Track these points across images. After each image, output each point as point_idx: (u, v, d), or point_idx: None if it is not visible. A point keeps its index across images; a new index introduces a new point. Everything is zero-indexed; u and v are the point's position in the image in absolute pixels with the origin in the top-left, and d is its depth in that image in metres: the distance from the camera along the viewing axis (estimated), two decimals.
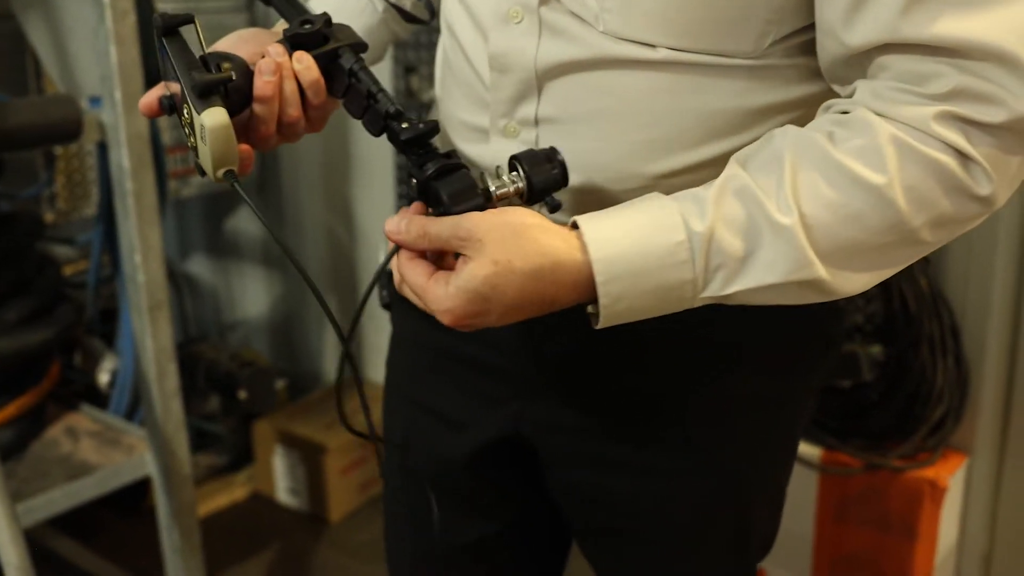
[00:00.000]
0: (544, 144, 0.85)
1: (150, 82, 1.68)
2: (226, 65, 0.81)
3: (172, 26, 0.82)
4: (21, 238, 1.96)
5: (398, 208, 1.58)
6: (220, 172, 0.78)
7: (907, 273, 1.82)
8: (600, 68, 0.82)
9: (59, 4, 1.88)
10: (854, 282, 0.76)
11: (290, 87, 0.82)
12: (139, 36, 1.66)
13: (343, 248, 2.76)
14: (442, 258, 0.77)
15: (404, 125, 0.79)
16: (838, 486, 1.92)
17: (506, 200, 0.78)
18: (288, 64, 0.82)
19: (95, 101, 1.78)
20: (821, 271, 0.73)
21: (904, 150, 0.71)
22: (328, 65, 0.83)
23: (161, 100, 0.84)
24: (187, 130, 0.80)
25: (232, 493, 2.61)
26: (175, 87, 0.81)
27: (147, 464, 1.89)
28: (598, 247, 0.73)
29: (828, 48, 0.76)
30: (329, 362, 2.85)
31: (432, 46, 2.30)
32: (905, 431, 1.88)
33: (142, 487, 2.24)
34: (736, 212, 0.74)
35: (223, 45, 0.88)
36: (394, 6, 1.07)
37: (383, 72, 2.44)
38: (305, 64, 0.82)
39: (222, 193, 2.79)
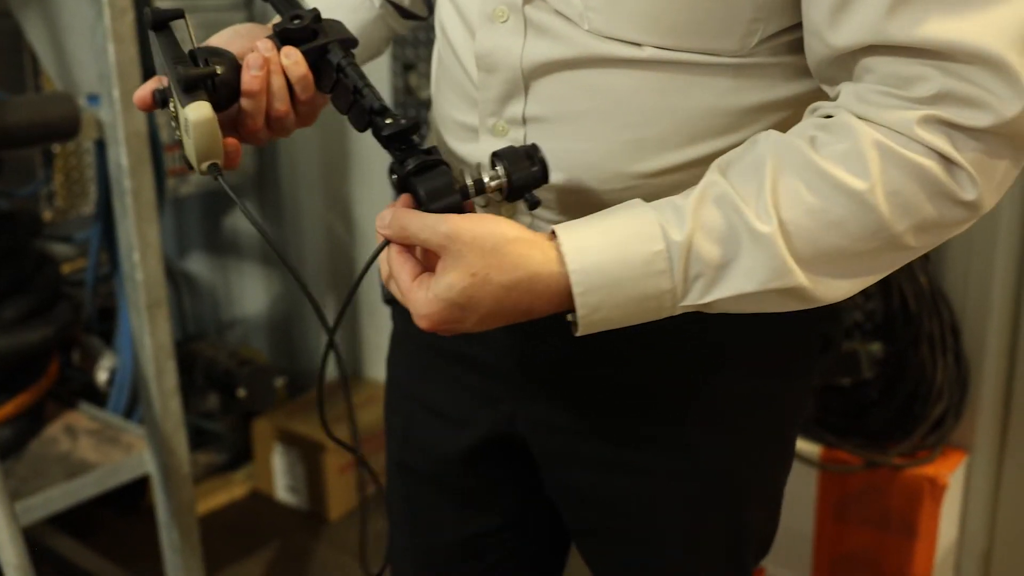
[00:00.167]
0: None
1: (148, 80, 1.68)
2: (216, 60, 0.81)
3: (162, 20, 0.83)
4: (19, 236, 1.95)
5: None
6: (204, 165, 0.79)
7: (907, 271, 1.82)
8: (586, 67, 0.81)
9: (57, 2, 1.87)
10: (837, 289, 0.75)
11: (278, 82, 0.83)
12: (137, 34, 1.66)
13: (342, 246, 2.76)
14: (428, 254, 0.77)
15: (388, 121, 0.80)
16: (838, 484, 1.91)
17: (485, 197, 0.78)
18: (276, 59, 0.83)
19: (93, 99, 1.78)
20: (801, 279, 0.73)
21: (887, 155, 0.70)
22: (317, 60, 0.84)
23: (154, 93, 0.84)
24: (174, 123, 0.81)
25: (231, 491, 2.61)
26: (167, 81, 0.82)
27: (146, 462, 1.89)
28: (575, 257, 0.73)
29: (814, 48, 0.76)
30: (328, 360, 2.84)
31: (431, 43, 2.29)
32: (905, 429, 1.88)
33: (141, 485, 2.23)
34: (715, 220, 0.73)
35: (218, 40, 0.88)
36: (391, 2, 1.07)
37: (382, 69, 2.44)
38: (293, 59, 0.83)
39: (220, 191, 2.78)
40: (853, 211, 0.71)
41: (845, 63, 0.74)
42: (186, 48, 0.82)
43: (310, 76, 0.84)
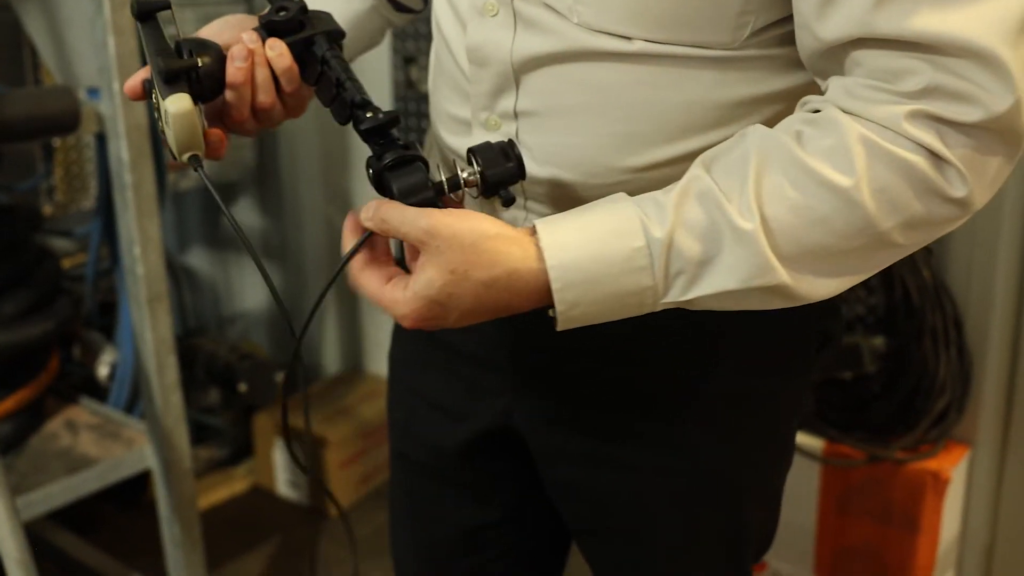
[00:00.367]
0: (524, 138, 0.85)
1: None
2: (201, 51, 0.82)
3: (148, 11, 0.83)
4: (19, 231, 1.95)
5: None
6: (185, 156, 0.79)
7: (910, 264, 1.82)
8: (576, 60, 0.81)
9: None
10: (822, 287, 0.75)
11: (262, 74, 0.83)
12: (137, 27, 1.65)
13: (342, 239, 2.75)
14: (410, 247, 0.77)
15: (368, 115, 0.79)
16: (840, 478, 1.91)
17: (460, 194, 0.78)
18: (261, 51, 0.83)
19: (93, 92, 1.77)
20: (784, 276, 0.72)
21: (873, 151, 0.69)
22: (302, 52, 0.84)
23: (144, 83, 0.85)
24: (157, 114, 0.81)
25: (232, 486, 2.61)
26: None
27: (147, 457, 1.89)
28: (554, 253, 0.73)
29: (804, 42, 0.75)
30: (329, 354, 2.85)
31: (431, 37, 2.29)
32: (907, 423, 1.87)
33: (142, 480, 2.23)
34: (697, 216, 0.73)
35: (208, 30, 0.89)
36: None
37: (383, 62, 2.43)
38: (278, 51, 0.83)
39: (220, 185, 2.78)
40: (838, 208, 0.70)
41: (835, 56, 0.73)
42: (173, 39, 0.82)
43: (295, 68, 0.84)
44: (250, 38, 0.83)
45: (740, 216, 0.71)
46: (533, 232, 0.75)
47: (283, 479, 2.58)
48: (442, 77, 0.94)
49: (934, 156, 0.69)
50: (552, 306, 0.75)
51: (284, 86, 0.84)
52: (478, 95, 0.87)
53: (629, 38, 0.78)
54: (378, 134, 0.79)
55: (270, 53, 0.83)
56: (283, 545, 2.41)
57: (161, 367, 1.83)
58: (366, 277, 0.77)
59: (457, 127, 0.92)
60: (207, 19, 0.85)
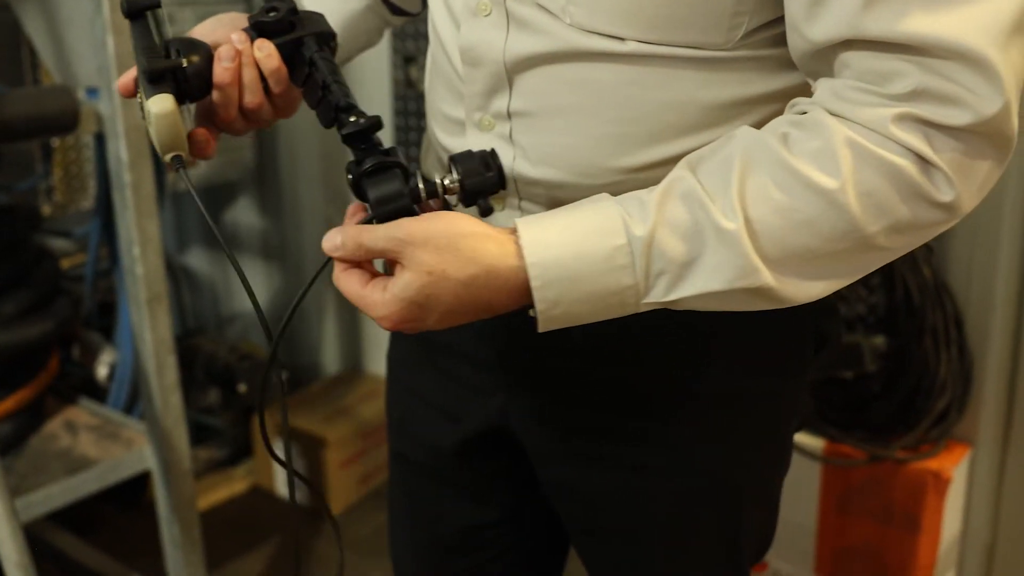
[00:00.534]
0: (518, 138, 0.85)
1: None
2: (191, 51, 0.82)
3: (138, 10, 0.83)
4: (18, 231, 1.94)
5: None
6: (168, 156, 0.79)
7: (911, 263, 1.82)
8: (569, 61, 0.80)
9: None
10: (807, 290, 0.74)
11: (250, 74, 0.83)
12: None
13: None
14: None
15: (352, 119, 0.79)
16: (841, 477, 1.91)
17: (438, 201, 0.78)
18: (249, 51, 0.83)
19: (92, 92, 1.77)
20: (768, 278, 0.72)
21: (860, 153, 0.69)
22: (291, 53, 0.84)
23: (136, 82, 0.84)
24: (142, 113, 0.81)
25: (232, 487, 2.61)
26: None
27: (146, 458, 1.88)
28: (533, 251, 0.73)
29: (795, 43, 0.74)
30: (329, 354, 2.85)
31: None
32: (908, 422, 1.87)
33: (141, 481, 2.23)
34: (680, 216, 0.72)
35: (201, 29, 0.89)
36: None
37: (383, 61, 2.43)
38: (266, 52, 0.83)
39: (220, 185, 2.78)
40: (823, 210, 0.70)
41: (824, 58, 0.72)
42: (166, 39, 0.82)
43: (283, 69, 0.84)
44: (238, 38, 0.83)
45: (723, 216, 0.71)
46: (514, 230, 0.75)
47: (283, 479, 2.58)
48: (438, 77, 0.94)
49: (921, 160, 0.68)
50: (533, 305, 0.74)
51: (272, 87, 0.84)
52: (472, 95, 0.87)
53: (622, 39, 0.78)
54: (359, 139, 0.79)
55: (258, 54, 0.83)
56: (283, 545, 2.40)
57: (160, 367, 1.83)
58: (347, 278, 0.77)
59: (452, 127, 0.92)
60: (206, 18, 0.85)
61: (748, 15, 0.75)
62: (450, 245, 0.72)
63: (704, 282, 0.72)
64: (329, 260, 0.77)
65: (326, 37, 0.85)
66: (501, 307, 0.75)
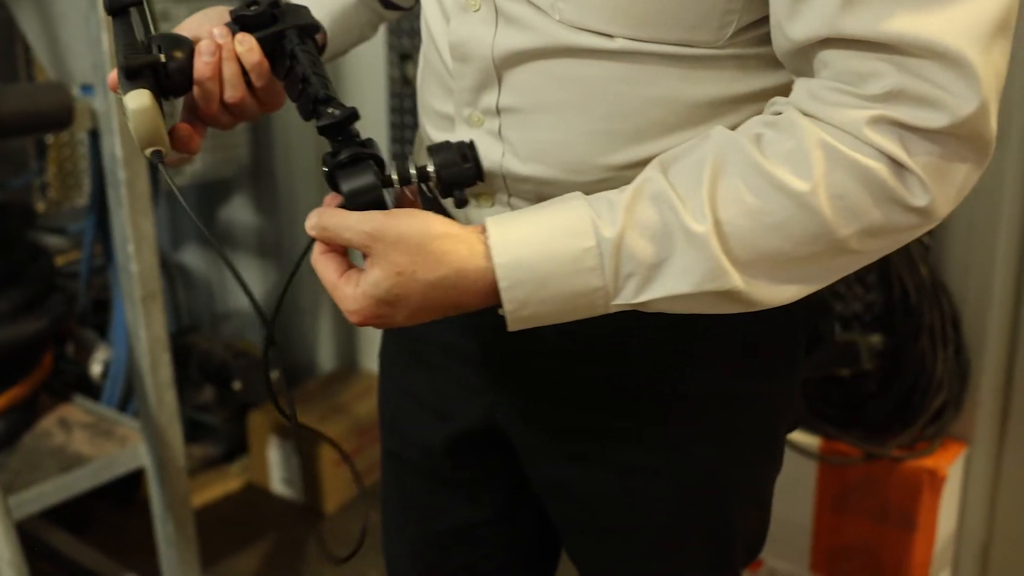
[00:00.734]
0: (507, 134, 0.85)
1: None
2: (174, 47, 0.82)
3: (119, 7, 0.83)
4: (12, 228, 1.94)
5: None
6: (147, 152, 0.80)
7: (907, 262, 1.82)
8: (558, 57, 0.80)
9: None
10: (778, 293, 0.74)
11: (230, 69, 0.84)
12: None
13: None
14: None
15: (330, 111, 0.79)
16: (837, 475, 1.91)
17: (414, 189, 0.79)
18: (230, 45, 0.83)
19: (87, 89, 1.77)
20: (737, 281, 0.71)
21: (832, 156, 0.68)
22: (272, 47, 0.84)
23: None
24: (123, 109, 0.81)
25: (226, 484, 2.60)
26: None
27: (141, 455, 1.88)
28: (502, 251, 0.73)
29: (778, 41, 0.74)
30: (324, 352, 2.84)
31: None
32: (904, 421, 1.87)
33: (136, 478, 2.22)
34: (650, 218, 0.72)
35: (188, 23, 0.89)
36: None
37: (379, 59, 2.42)
38: (247, 46, 0.83)
39: (215, 182, 2.77)
40: (794, 213, 0.69)
41: (805, 56, 0.72)
42: (151, 35, 0.83)
43: (265, 63, 0.84)
44: (219, 33, 0.84)
45: (693, 219, 0.71)
46: (484, 230, 0.75)
47: (278, 477, 2.58)
48: (429, 73, 0.94)
49: (895, 163, 0.68)
50: (501, 305, 0.75)
51: (254, 81, 0.85)
52: (461, 91, 0.87)
53: (611, 36, 0.77)
54: (335, 131, 0.79)
55: (239, 48, 0.83)
56: (277, 543, 2.40)
57: (155, 365, 1.83)
58: (325, 262, 0.78)
59: (442, 123, 0.92)
60: None
61: (738, 13, 0.75)
62: (421, 246, 0.73)
63: (673, 284, 0.72)
64: (313, 241, 0.78)
65: (309, 30, 0.84)
66: (470, 306, 0.76)
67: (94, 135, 1.85)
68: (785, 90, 0.78)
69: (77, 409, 2.02)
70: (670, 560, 0.99)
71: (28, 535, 1.61)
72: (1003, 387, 1.87)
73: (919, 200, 0.69)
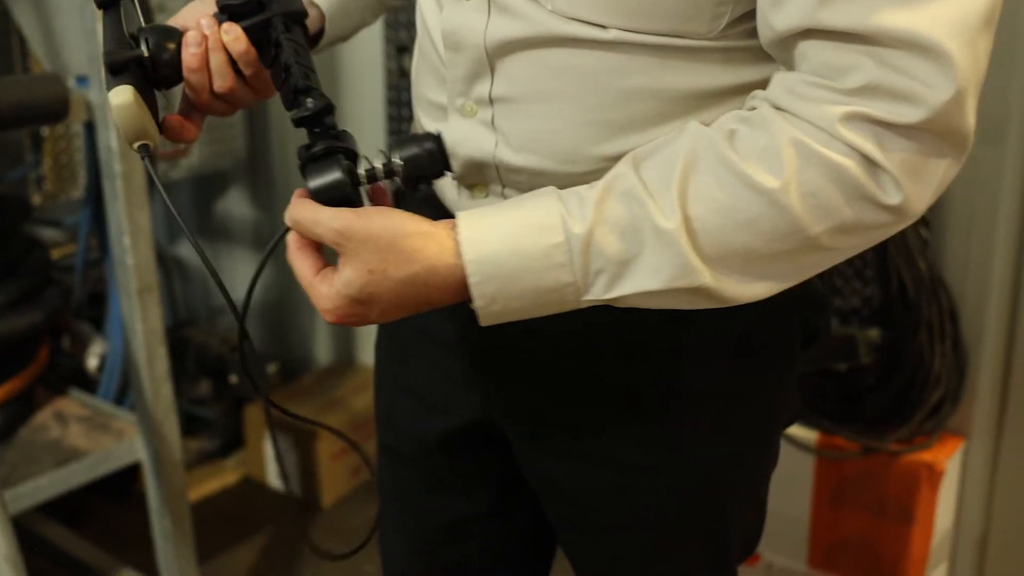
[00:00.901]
0: (500, 124, 0.85)
1: None
2: (164, 39, 0.82)
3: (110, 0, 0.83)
4: (8, 221, 1.93)
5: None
6: (135, 145, 0.80)
7: (906, 256, 1.81)
8: (550, 46, 0.80)
9: None
10: (749, 290, 0.74)
11: (217, 59, 0.84)
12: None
13: None
14: None
15: (308, 101, 0.79)
16: (834, 470, 1.91)
17: (385, 184, 0.79)
18: (216, 35, 0.83)
19: (82, 80, 1.76)
20: (706, 278, 0.71)
21: (804, 153, 0.68)
22: (259, 35, 0.83)
23: None
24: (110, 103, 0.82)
25: (223, 478, 2.60)
26: None
27: (137, 449, 1.88)
28: (471, 247, 0.73)
29: (762, 32, 0.74)
30: (320, 345, 2.84)
31: None
32: (902, 415, 1.87)
33: (132, 472, 2.22)
34: (619, 214, 0.72)
35: (183, 14, 0.89)
36: None
37: (376, 51, 2.42)
38: (233, 35, 0.83)
39: (211, 176, 2.76)
40: (764, 210, 0.69)
41: (787, 47, 0.72)
42: (141, 27, 0.83)
43: (252, 52, 0.84)
44: (206, 23, 0.84)
45: (662, 215, 0.71)
46: (455, 226, 0.75)
47: (274, 470, 2.58)
48: (423, 63, 0.94)
49: (867, 160, 0.68)
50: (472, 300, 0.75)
51: (243, 69, 0.85)
52: (454, 80, 0.87)
53: (604, 26, 0.77)
54: (312, 122, 0.79)
55: (225, 37, 0.83)
56: (274, 537, 2.40)
57: (151, 358, 1.82)
58: (301, 258, 0.79)
59: (435, 112, 0.91)
60: None
61: (731, 5, 0.75)
62: (392, 244, 0.73)
63: (643, 281, 0.72)
64: (287, 230, 0.79)
65: (296, 17, 0.84)
66: (442, 302, 0.76)
67: (90, 127, 1.85)
68: None
69: (73, 403, 2.02)
70: (665, 557, 0.99)
71: (24, 529, 1.61)
72: (1001, 381, 1.87)
73: (892, 198, 0.68)
